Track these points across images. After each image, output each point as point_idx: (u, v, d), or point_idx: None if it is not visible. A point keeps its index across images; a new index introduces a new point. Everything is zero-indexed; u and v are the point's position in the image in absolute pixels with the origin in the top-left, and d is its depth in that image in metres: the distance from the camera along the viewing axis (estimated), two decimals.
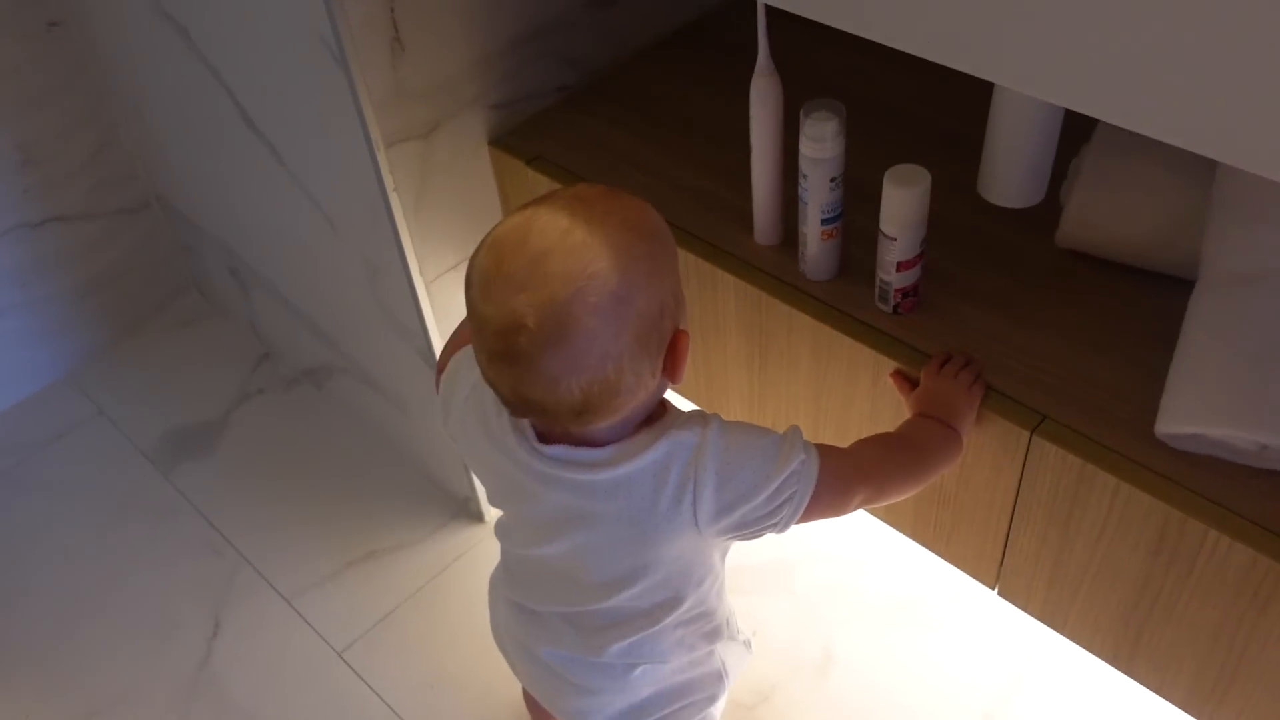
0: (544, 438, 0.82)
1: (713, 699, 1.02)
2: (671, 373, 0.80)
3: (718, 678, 1.01)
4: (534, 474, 0.83)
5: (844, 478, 0.86)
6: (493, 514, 1.54)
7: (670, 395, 0.87)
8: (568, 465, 0.81)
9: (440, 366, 0.98)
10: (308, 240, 1.40)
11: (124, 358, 1.84)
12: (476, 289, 0.77)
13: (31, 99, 1.57)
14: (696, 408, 0.90)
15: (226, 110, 1.33)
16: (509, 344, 0.74)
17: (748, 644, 1.05)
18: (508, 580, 1.00)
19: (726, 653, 1.01)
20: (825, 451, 0.85)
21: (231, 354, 1.82)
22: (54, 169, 1.64)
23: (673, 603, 0.89)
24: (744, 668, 1.05)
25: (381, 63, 1.06)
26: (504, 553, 1.00)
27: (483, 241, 0.78)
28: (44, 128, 1.60)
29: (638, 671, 0.94)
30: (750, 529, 0.83)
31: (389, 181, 1.14)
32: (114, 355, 1.84)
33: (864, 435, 1.02)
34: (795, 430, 0.84)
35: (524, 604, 0.98)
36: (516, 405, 0.79)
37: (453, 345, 0.99)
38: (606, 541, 0.84)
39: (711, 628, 0.96)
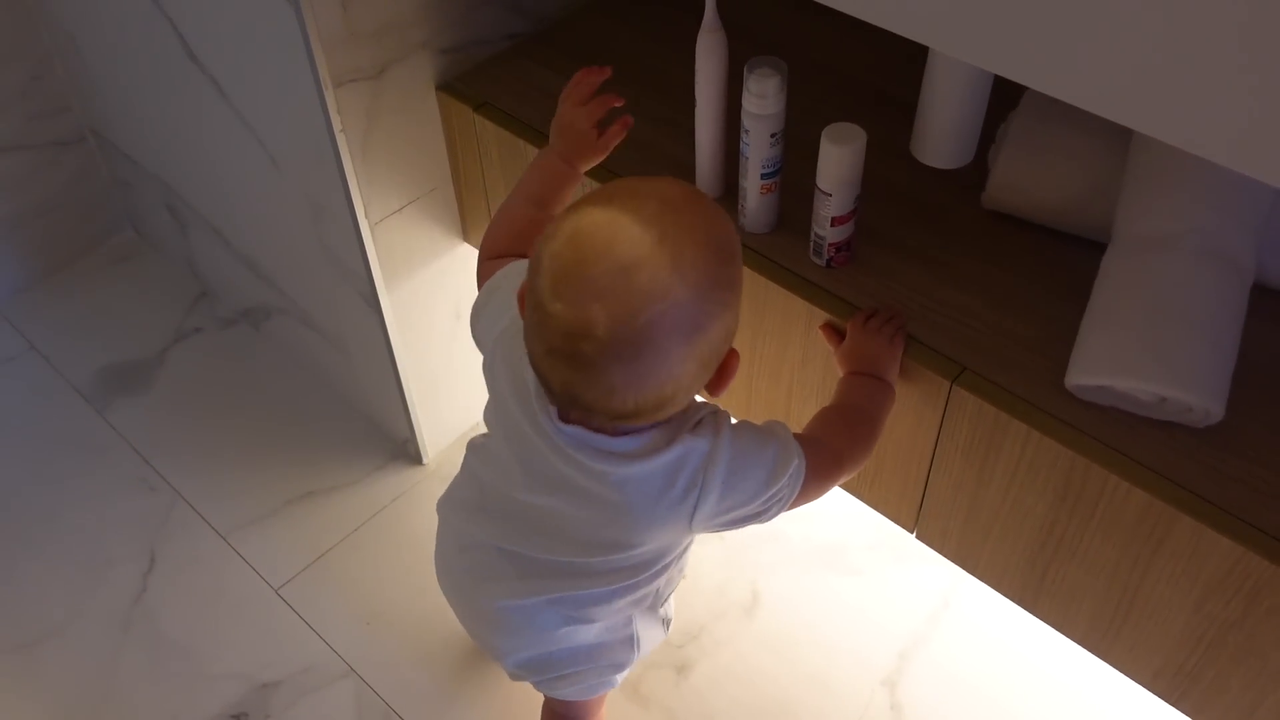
0: (562, 414, 0.82)
1: (619, 667, 1.03)
2: (714, 388, 0.80)
3: (629, 646, 1.02)
4: (548, 443, 0.83)
5: (825, 470, 0.90)
6: (432, 456, 1.56)
7: None
8: (582, 449, 0.81)
9: (486, 254, 0.98)
10: (250, 178, 1.39)
11: (57, 293, 1.81)
12: (547, 280, 0.74)
13: None
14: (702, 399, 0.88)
15: (168, 42, 1.32)
16: (574, 348, 0.73)
17: (667, 622, 1.07)
18: (470, 514, 0.97)
19: (643, 626, 1.02)
20: (808, 448, 0.88)
21: (168, 291, 1.81)
22: None
23: (632, 572, 0.91)
24: (656, 644, 1.07)
25: (332, 0, 1.06)
26: (479, 484, 0.97)
27: (558, 228, 0.75)
28: None
29: (563, 630, 0.95)
30: (737, 525, 0.87)
31: (336, 121, 1.14)
32: (46, 290, 1.81)
33: (795, 382, 1.06)
34: (786, 431, 0.87)
35: (477, 540, 0.96)
36: (562, 400, 0.78)
37: (501, 236, 0.98)
38: (596, 517, 0.85)
39: (642, 594, 0.97)
